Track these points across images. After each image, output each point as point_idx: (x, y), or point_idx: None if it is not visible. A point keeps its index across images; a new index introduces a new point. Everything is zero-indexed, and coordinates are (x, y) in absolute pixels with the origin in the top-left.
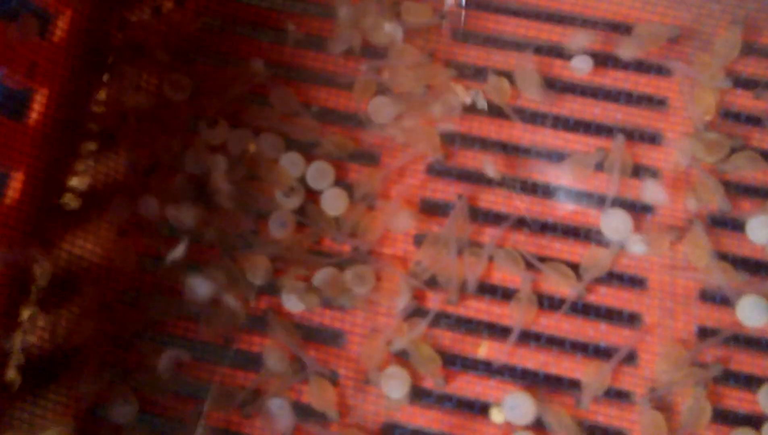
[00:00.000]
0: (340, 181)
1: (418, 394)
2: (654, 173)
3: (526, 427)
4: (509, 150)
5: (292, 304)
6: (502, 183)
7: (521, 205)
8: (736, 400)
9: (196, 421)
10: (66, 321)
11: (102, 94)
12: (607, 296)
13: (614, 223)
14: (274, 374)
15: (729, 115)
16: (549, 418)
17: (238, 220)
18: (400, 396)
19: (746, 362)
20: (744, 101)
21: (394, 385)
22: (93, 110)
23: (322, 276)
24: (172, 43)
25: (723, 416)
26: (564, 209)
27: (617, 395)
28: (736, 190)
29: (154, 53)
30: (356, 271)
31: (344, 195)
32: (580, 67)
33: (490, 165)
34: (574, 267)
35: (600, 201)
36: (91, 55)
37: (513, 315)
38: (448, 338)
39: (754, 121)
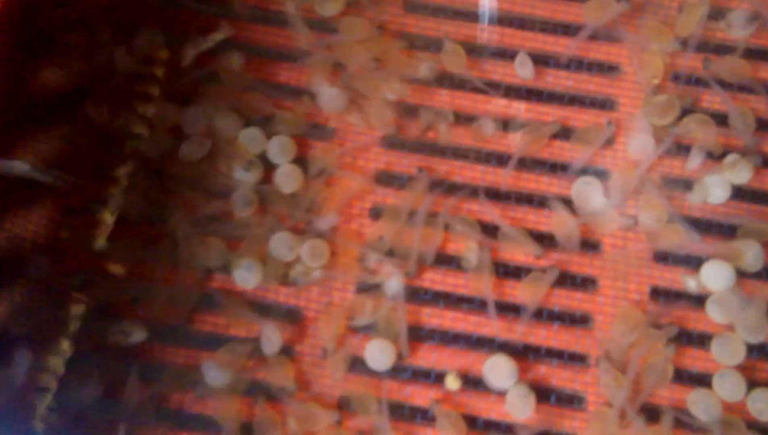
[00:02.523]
0: (296, 158)
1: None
2: (609, 140)
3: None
4: (463, 120)
5: (245, 280)
6: (458, 153)
7: (478, 174)
8: (690, 358)
9: (151, 402)
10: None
11: (44, 73)
12: (560, 261)
13: (581, 189)
14: (229, 352)
15: (679, 78)
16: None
17: (197, 201)
18: (385, 368)
19: (701, 321)
20: (694, 63)
21: (378, 357)
22: (34, 89)
23: (276, 243)
24: (115, 19)
25: (678, 375)
26: (520, 178)
27: (571, 358)
28: (689, 151)
29: (96, 29)
30: (310, 245)
31: (299, 171)
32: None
33: (445, 135)
34: (534, 235)
35: (557, 168)
36: (29, 33)
37: (470, 284)
38: (408, 310)
39: (703, 83)
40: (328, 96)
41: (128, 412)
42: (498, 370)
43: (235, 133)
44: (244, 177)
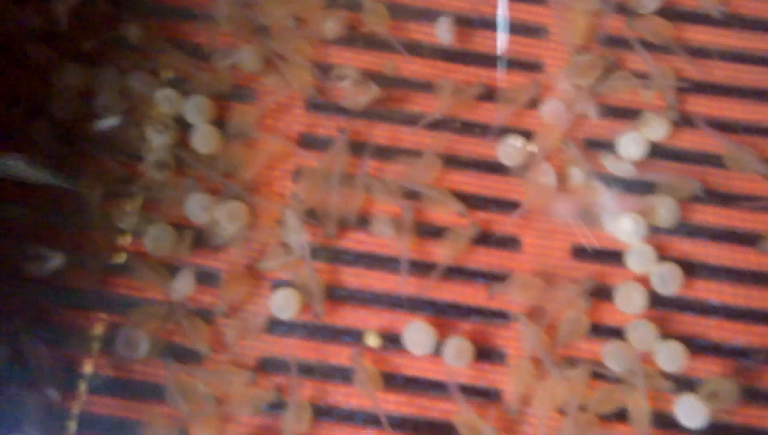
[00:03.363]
0: (215, 119)
1: (295, 326)
2: (534, 102)
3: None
4: (388, 81)
5: (157, 245)
6: (383, 115)
7: (402, 136)
8: (609, 312)
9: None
10: None
11: None
12: (483, 220)
13: (507, 151)
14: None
15: (603, 39)
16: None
17: (110, 163)
18: (288, 317)
19: (620, 277)
20: (618, 24)
21: (283, 306)
22: None
23: (192, 205)
24: None
25: (596, 329)
26: (444, 138)
27: (493, 315)
28: (612, 112)
29: None
30: (228, 207)
31: (217, 132)
32: None
33: (368, 96)
34: (459, 196)
35: (482, 129)
36: None
37: (394, 245)
38: (326, 271)
39: (627, 44)
40: (247, 56)
41: (39, 377)
42: (417, 335)
43: (150, 94)
44: (159, 138)
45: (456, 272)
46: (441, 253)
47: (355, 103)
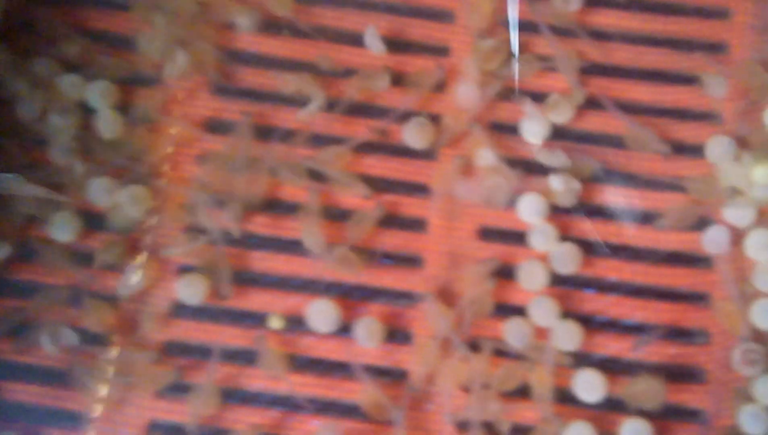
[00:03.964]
0: (118, 104)
1: (200, 310)
2: (440, 86)
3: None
4: (292, 66)
5: (61, 233)
6: (287, 99)
7: (310, 119)
8: (514, 291)
9: None
10: None
11: None
12: (391, 202)
13: (413, 134)
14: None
15: (507, 23)
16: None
17: (12, 149)
18: (196, 302)
19: (522, 256)
20: (522, 8)
21: (190, 292)
22: None
23: (95, 189)
24: None
25: (501, 308)
26: (351, 123)
27: (400, 296)
28: (516, 94)
29: None
30: (131, 191)
31: (120, 117)
32: None
33: (273, 81)
34: (366, 179)
35: (390, 113)
36: None
37: (301, 228)
38: (232, 255)
39: (532, 27)
40: (152, 41)
41: None
42: (321, 313)
43: (54, 79)
44: (62, 123)
45: (363, 254)
46: (347, 235)
47: (273, 87)
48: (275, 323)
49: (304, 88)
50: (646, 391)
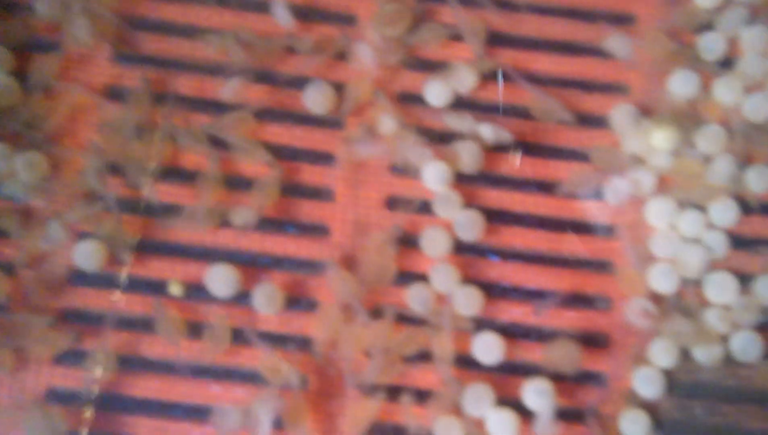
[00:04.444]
0: (14, 70)
1: (98, 277)
2: (345, 54)
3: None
4: (190, 32)
5: None
6: (188, 66)
7: (208, 87)
8: (414, 259)
9: None
10: None
11: None
12: (294, 170)
13: (313, 96)
14: None
15: None
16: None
17: None
18: (94, 269)
19: (428, 224)
20: None
21: (87, 259)
22: None
23: None
24: None
25: (405, 275)
26: (253, 90)
27: (304, 265)
28: (422, 63)
29: None
30: (27, 157)
31: (16, 83)
32: None
33: (173, 48)
34: (273, 148)
35: (290, 82)
36: None
37: (200, 195)
38: (131, 222)
39: None
40: (49, 6)
41: None
42: (220, 278)
43: None
44: None
45: (267, 223)
46: (251, 203)
47: (173, 54)
48: (174, 290)
49: (210, 55)
50: (564, 355)
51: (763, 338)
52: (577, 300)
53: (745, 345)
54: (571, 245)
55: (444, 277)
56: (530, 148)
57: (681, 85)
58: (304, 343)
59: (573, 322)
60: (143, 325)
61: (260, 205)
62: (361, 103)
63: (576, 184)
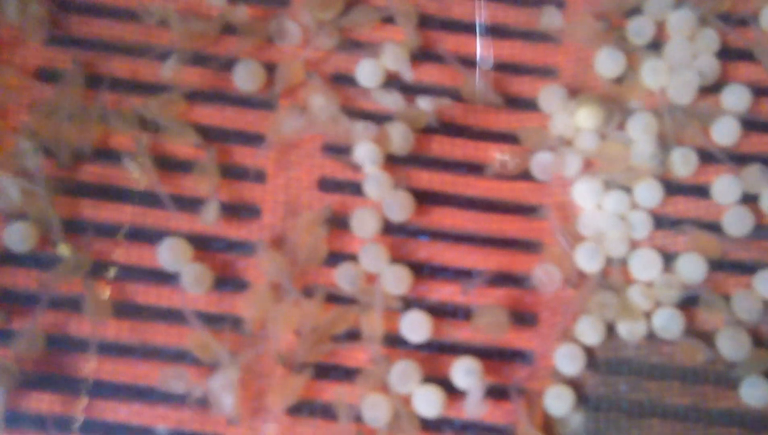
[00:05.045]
0: None
1: (29, 258)
2: (282, 33)
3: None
4: (120, 14)
5: None
6: (118, 48)
7: (139, 68)
8: (345, 240)
9: None
10: None
11: None
12: (227, 152)
13: (243, 76)
14: None
15: None
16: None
17: None
18: (25, 250)
19: (358, 205)
20: None
21: (18, 240)
22: None
23: None
24: None
25: (333, 256)
26: (182, 71)
27: (236, 246)
28: (355, 45)
29: None
30: None
31: None
32: None
33: (104, 30)
34: (204, 130)
35: (221, 63)
36: None
37: (132, 176)
38: (63, 203)
39: None
40: None
41: None
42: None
43: None
44: None
45: (196, 205)
46: (183, 185)
47: (105, 35)
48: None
49: (142, 37)
50: (491, 321)
51: (684, 315)
52: (506, 279)
53: (667, 322)
54: (500, 225)
55: (373, 256)
56: (460, 130)
57: (606, 63)
58: (234, 323)
59: (501, 300)
60: (73, 306)
61: (192, 186)
62: (293, 84)
63: (504, 165)
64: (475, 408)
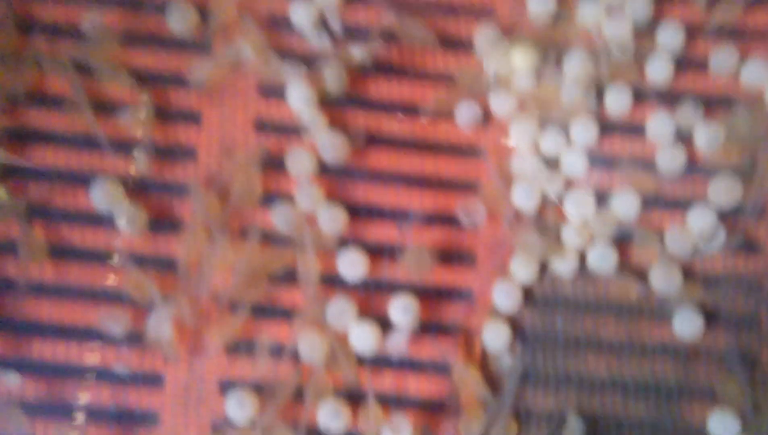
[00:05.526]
0: None
1: None
2: None
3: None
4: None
5: None
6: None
7: (74, 14)
8: (281, 181)
9: None
10: None
11: None
12: (161, 97)
13: (177, 17)
14: None
15: None
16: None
17: None
18: None
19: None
20: None
21: None
22: None
23: None
24: None
25: (269, 198)
26: (118, 15)
27: (166, 187)
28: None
29: None
30: None
31: None
32: None
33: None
34: (138, 74)
35: (157, 8)
36: None
37: (71, 121)
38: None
39: None
40: None
41: None
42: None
43: None
44: None
45: (130, 147)
46: (116, 129)
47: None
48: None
49: None
50: (416, 261)
51: (618, 252)
52: (444, 219)
53: (601, 258)
54: (436, 166)
55: (308, 196)
56: (396, 71)
57: (540, 2)
58: (168, 264)
59: (438, 240)
60: (6, 248)
61: (127, 130)
62: (227, 25)
63: (440, 106)
64: (396, 344)
